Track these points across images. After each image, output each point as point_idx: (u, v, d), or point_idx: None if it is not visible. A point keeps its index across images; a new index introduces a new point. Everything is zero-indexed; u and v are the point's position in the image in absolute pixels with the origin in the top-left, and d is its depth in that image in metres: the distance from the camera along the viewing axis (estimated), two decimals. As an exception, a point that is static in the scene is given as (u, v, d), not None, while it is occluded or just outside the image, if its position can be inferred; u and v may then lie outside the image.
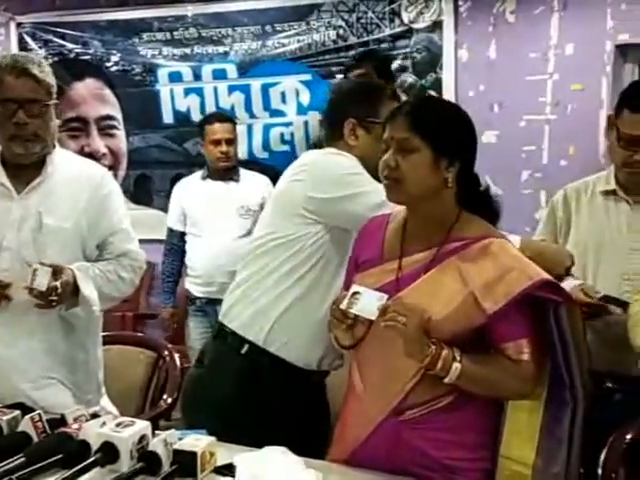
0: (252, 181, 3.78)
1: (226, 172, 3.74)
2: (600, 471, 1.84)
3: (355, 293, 1.64)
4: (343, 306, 1.65)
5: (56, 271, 1.96)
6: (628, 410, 1.96)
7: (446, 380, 1.61)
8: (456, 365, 1.59)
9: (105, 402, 2.24)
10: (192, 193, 3.78)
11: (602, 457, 1.85)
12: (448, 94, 4.09)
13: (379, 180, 1.84)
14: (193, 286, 3.76)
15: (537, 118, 3.94)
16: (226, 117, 3.89)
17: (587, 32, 3.77)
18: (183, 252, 3.80)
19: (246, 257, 2.11)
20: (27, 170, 2.08)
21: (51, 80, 2.06)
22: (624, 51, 3.78)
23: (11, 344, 2.05)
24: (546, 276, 1.63)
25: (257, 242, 2.08)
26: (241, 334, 2.03)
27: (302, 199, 1.97)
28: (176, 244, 3.81)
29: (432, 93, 4.13)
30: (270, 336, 2.00)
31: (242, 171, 3.82)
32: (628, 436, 1.88)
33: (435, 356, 1.59)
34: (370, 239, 1.84)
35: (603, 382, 2.13)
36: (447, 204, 1.72)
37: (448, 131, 1.69)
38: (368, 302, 1.63)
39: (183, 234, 3.79)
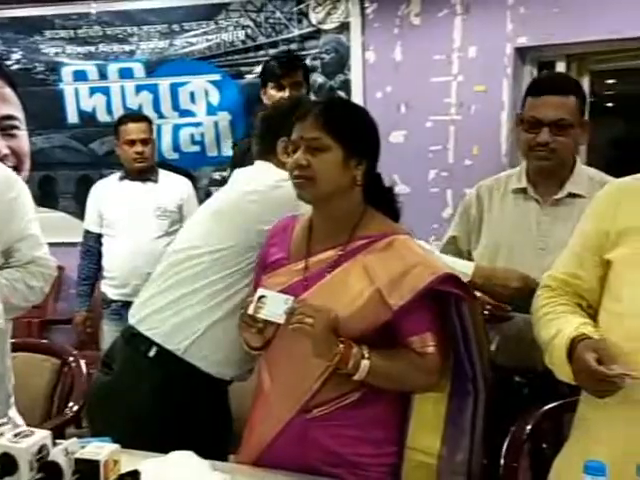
0: (171, 182, 3.72)
1: (143, 172, 3.67)
2: (502, 461, 1.89)
3: (261, 297, 1.65)
4: (250, 311, 1.66)
5: None
6: (535, 403, 2.02)
7: (355, 377, 1.64)
8: (365, 362, 1.63)
9: (13, 413, 2.16)
10: (109, 194, 3.70)
11: (504, 448, 1.91)
12: (356, 95, 4.14)
13: None
14: (109, 288, 3.67)
15: (442, 119, 4.03)
16: (140, 117, 3.83)
17: (488, 35, 3.87)
18: (100, 255, 3.71)
19: (174, 266, 2.05)
20: None
21: None
22: (523, 54, 3.91)
23: None
24: (449, 270, 1.69)
25: (190, 252, 2.03)
26: (158, 342, 1.99)
27: (255, 225, 1.96)
28: (93, 246, 3.72)
29: (341, 94, 4.17)
30: (191, 348, 1.97)
31: (161, 172, 3.76)
32: (528, 427, 1.94)
33: (344, 355, 1.62)
34: (277, 240, 1.85)
35: (512, 377, 2.19)
36: (354, 202, 1.76)
37: (357, 130, 1.74)
38: (275, 305, 1.64)
39: (100, 236, 3.70)
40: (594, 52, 3.86)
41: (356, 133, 1.73)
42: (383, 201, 1.80)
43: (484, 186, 2.33)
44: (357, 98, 4.09)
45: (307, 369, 1.69)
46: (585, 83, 3.80)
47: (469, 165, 3.96)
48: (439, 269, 1.67)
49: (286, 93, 3.15)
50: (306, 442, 1.70)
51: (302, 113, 1.75)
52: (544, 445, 1.96)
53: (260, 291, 1.67)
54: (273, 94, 3.21)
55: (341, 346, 1.61)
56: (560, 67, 3.89)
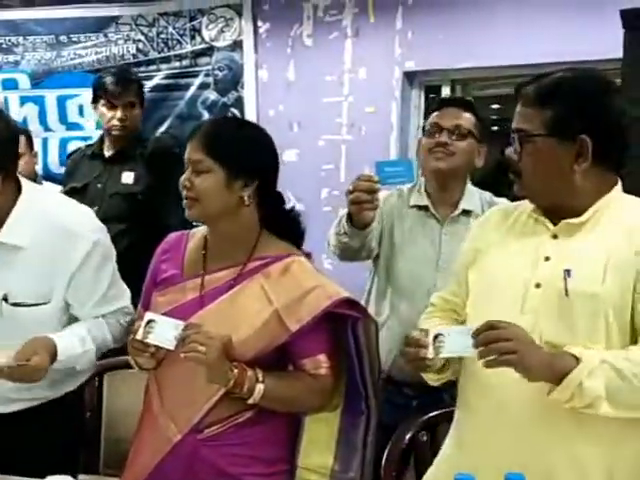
0: None
1: None
2: (382, 472, 1.91)
3: (150, 321, 1.60)
4: (139, 336, 1.61)
5: None
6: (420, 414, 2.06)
7: (250, 401, 1.63)
8: (259, 386, 1.63)
9: None
10: None
11: (384, 458, 1.93)
12: (250, 113, 4.16)
13: None
14: None
15: (334, 138, 4.08)
16: None
17: (378, 58, 3.96)
18: None
19: None
20: None
21: None
22: (411, 77, 4.01)
23: None
24: (345, 294, 1.70)
25: None
26: None
27: None
28: None
29: (234, 111, 4.18)
30: None
31: (47, 186, 3.62)
32: (407, 436, 1.96)
33: (238, 379, 1.60)
34: (169, 257, 1.82)
35: (402, 390, 2.26)
36: (247, 223, 1.74)
37: (243, 152, 1.71)
38: (164, 331, 1.60)
39: None
40: (477, 78, 4.01)
41: (241, 154, 1.70)
42: (281, 221, 1.79)
43: (391, 196, 2.38)
44: (250, 116, 4.11)
45: (199, 389, 1.66)
46: (470, 107, 3.95)
47: (360, 184, 4.01)
48: (335, 293, 1.69)
49: (117, 113, 3.07)
50: (197, 462, 1.67)
51: (192, 133, 1.75)
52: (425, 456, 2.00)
53: (148, 315, 1.62)
54: (104, 112, 3.10)
55: (235, 371, 1.60)
56: (445, 91, 4.02)
